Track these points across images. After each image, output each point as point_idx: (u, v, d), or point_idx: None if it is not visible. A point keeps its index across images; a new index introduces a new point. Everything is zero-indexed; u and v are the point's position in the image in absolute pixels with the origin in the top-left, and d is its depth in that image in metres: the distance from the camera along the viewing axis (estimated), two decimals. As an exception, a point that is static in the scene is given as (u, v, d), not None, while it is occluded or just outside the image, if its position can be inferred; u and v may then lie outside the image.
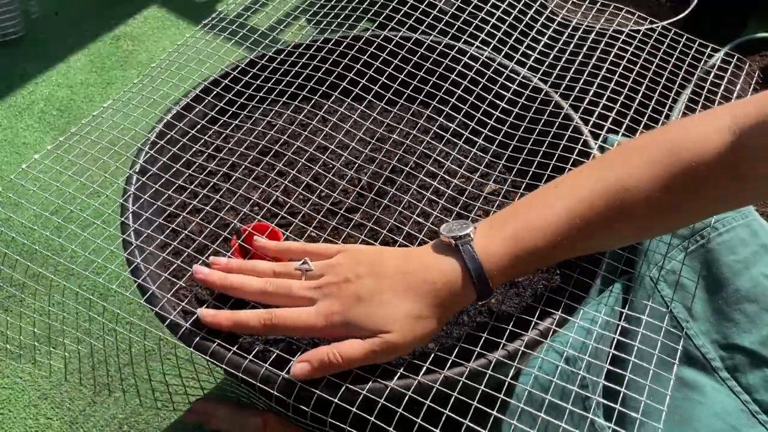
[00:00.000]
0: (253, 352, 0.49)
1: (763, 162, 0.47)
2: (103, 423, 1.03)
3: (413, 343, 0.46)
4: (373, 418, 0.44)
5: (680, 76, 0.67)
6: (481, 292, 0.47)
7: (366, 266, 0.47)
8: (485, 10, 0.72)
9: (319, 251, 0.51)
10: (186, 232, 0.59)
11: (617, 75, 0.67)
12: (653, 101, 0.65)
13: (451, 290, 0.46)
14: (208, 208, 0.58)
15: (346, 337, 0.46)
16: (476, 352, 0.49)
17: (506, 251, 0.47)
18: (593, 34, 0.71)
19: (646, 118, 0.63)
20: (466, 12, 0.73)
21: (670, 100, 0.66)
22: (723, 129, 0.47)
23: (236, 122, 0.68)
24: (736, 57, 0.75)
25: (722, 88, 0.68)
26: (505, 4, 0.72)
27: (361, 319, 0.45)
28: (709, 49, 0.69)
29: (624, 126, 0.63)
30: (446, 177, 0.65)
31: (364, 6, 0.75)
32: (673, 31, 0.71)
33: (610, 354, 0.53)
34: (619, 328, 0.55)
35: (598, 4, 0.78)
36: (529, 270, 0.53)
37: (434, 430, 0.43)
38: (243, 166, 0.64)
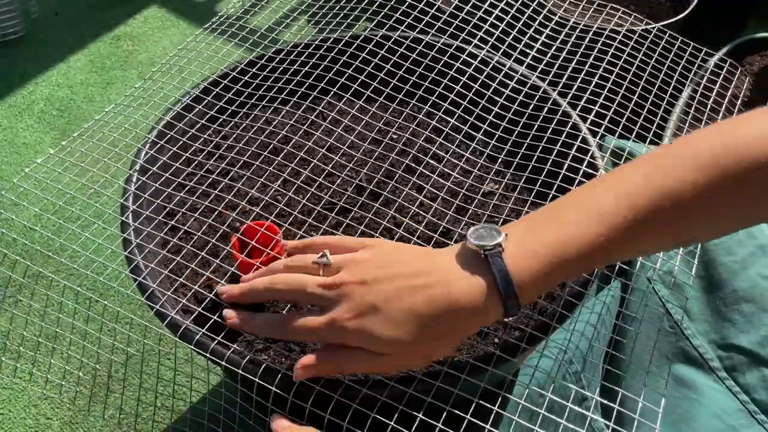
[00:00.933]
0: (253, 351, 0.49)
1: None
2: (102, 423, 1.03)
3: (421, 361, 0.44)
4: (374, 414, 0.44)
5: (674, 78, 0.67)
6: (509, 310, 0.42)
7: (386, 270, 0.44)
8: (483, 9, 0.72)
9: (343, 244, 0.48)
10: (185, 228, 0.59)
11: (614, 75, 0.67)
12: (649, 102, 0.65)
13: (476, 306, 0.42)
14: (206, 203, 0.59)
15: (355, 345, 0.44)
16: (477, 350, 0.49)
17: (539, 263, 0.42)
18: (590, 33, 0.72)
19: (641, 119, 0.63)
20: (464, 11, 0.73)
21: (665, 102, 0.66)
22: None
23: (235, 120, 0.68)
24: (728, 62, 0.76)
25: (714, 92, 0.68)
26: (503, 3, 0.73)
27: (370, 332, 0.42)
28: (702, 52, 0.70)
29: (621, 126, 0.63)
30: (445, 171, 0.65)
31: (362, 5, 0.75)
32: (668, 34, 0.71)
33: (609, 353, 0.53)
34: (617, 327, 0.55)
35: (595, 3, 0.79)
36: (563, 281, 0.49)
37: (437, 424, 0.43)
38: (241, 163, 0.64)
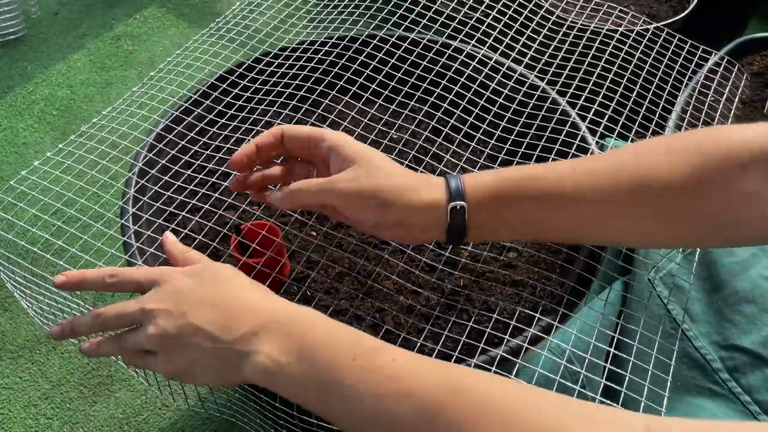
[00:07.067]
0: None
1: None
2: (102, 423, 1.03)
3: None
4: None
5: (672, 76, 0.67)
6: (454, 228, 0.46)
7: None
8: (483, 6, 0.72)
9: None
10: (186, 231, 0.59)
11: (612, 73, 0.67)
12: (647, 100, 0.65)
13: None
14: (207, 206, 0.59)
15: None
16: (480, 348, 0.49)
17: (491, 189, 0.46)
18: (588, 32, 0.72)
19: (640, 117, 0.63)
20: (462, 12, 0.73)
21: (663, 99, 0.66)
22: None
23: (235, 123, 0.68)
24: (725, 60, 0.76)
25: (713, 91, 0.68)
26: (500, 4, 0.73)
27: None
28: (700, 50, 0.70)
29: (620, 124, 0.63)
30: (445, 170, 0.65)
31: (361, 6, 0.75)
32: (665, 31, 0.71)
33: (610, 353, 0.53)
34: (619, 327, 0.55)
35: (593, 3, 0.79)
36: (509, 222, 0.49)
37: None
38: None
